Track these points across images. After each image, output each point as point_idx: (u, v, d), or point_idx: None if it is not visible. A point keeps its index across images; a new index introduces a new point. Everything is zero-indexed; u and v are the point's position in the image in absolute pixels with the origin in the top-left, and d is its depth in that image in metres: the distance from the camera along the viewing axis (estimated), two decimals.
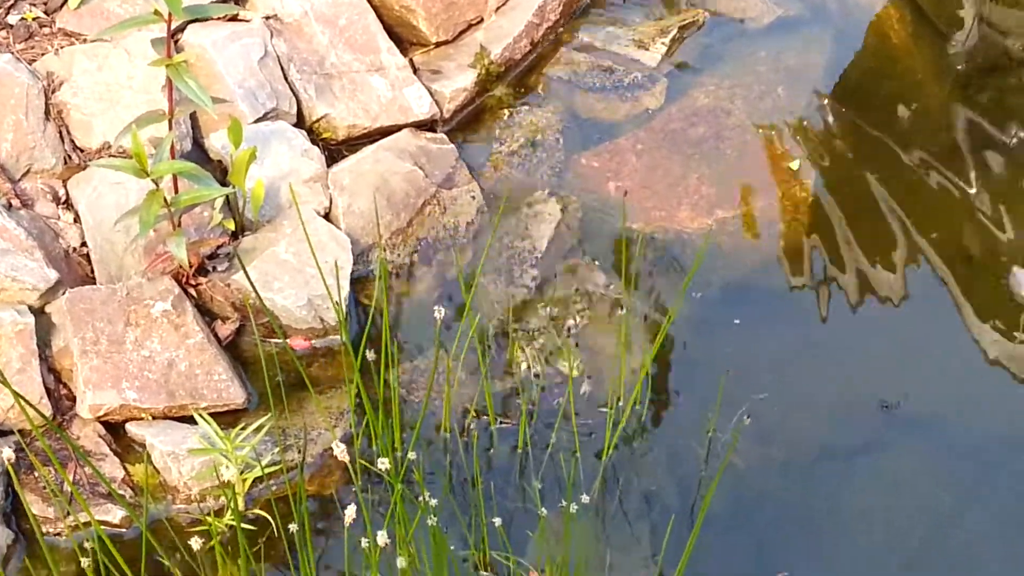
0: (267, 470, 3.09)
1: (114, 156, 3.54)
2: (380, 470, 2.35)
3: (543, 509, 2.62)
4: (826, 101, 4.22)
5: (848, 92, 4.28)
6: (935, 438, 3.40)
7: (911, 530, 3.23)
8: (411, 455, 2.47)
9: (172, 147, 3.24)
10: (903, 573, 3.16)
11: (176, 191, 3.31)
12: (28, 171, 3.54)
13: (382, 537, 2.22)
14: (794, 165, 3.95)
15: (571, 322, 3.53)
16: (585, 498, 2.57)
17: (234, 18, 3.84)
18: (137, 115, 3.23)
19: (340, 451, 2.21)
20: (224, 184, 3.47)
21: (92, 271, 3.46)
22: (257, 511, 3.08)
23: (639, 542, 3.12)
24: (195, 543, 2.32)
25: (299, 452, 3.16)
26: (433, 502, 2.43)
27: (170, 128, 3.23)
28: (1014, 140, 4.15)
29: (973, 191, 3.99)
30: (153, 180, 3.14)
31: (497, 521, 2.57)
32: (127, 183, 3.44)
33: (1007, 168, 4.07)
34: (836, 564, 3.15)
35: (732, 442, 3.08)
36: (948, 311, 3.69)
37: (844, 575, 3.14)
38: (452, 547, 2.99)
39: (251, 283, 2.86)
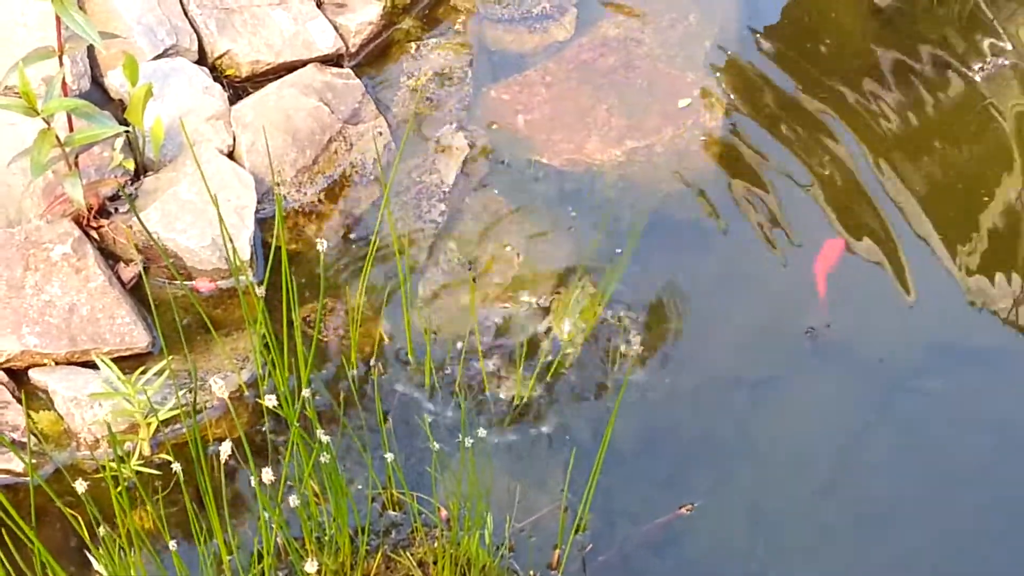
0: (170, 414, 3.04)
1: (5, 95, 3.45)
2: (272, 408, 2.32)
3: (436, 444, 2.60)
4: (738, 26, 4.19)
5: (761, 18, 4.25)
6: (842, 365, 3.41)
7: (819, 457, 3.24)
8: (305, 393, 2.43)
9: (64, 85, 3.16)
10: (812, 499, 3.17)
11: (71, 130, 3.24)
12: None
13: (267, 475, 2.19)
14: (682, 103, 3.91)
15: (478, 255, 3.50)
16: (482, 432, 2.54)
17: None
18: None
19: (218, 387, 2.17)
20: (124, 123, 3.40)
21: None
22: (163, 456, 3.04)
23: (550, 476, 3.11)
24: (79, 486, 2.27)
25: (204, 396, 3.11)
26: (325, 439, 2.40)
27: (60, 65, 3.15)
28: (927, 66, 4.15)
29: (888, 119, 3.98)
30: (44, 119, 3.07)
31: (389, 457, 2.54)
32: (23, 124, 3.36)
33: (920, 94, 4.06)
34: (746, 493, 3.16)
35: (627, 373, 3.08)
36: (858, 239, 3.69)
37: (754, 504, 3.14)
38: (359, 487, 2.98)
39: (143, 224, 2.81)
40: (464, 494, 2.69)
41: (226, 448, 2.17)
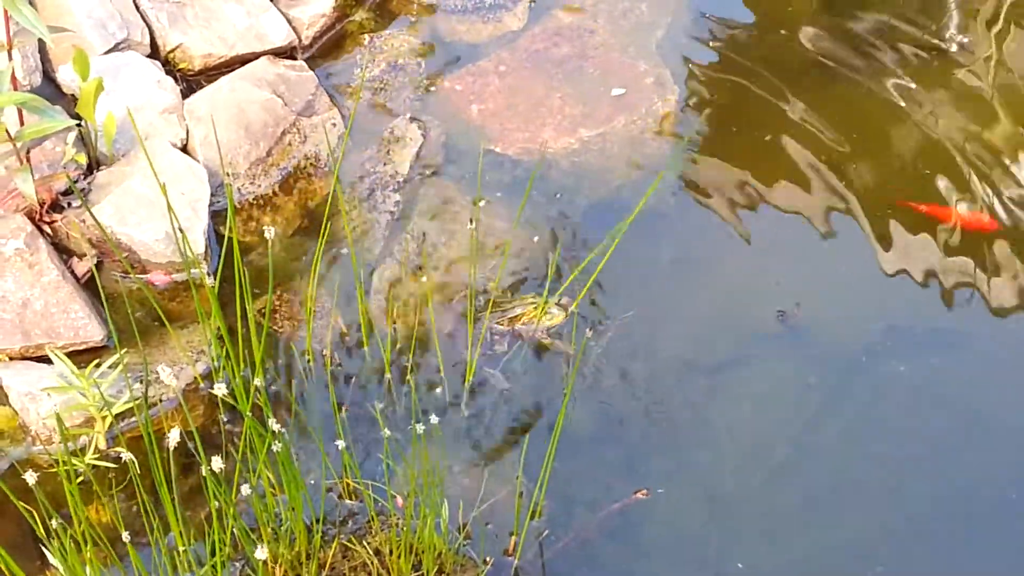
0: (125, 407, 3.03)
1: None
2: (224, 398, 2.32)
3: (387, 431, 2.60)
4: (690, 15, 4.21)
5: (714, 6, 4.27)
6: (798, 351, 3.42)
7: (775, 441, 3.25)
8: (256, 382, 2.43)
9: (14, 79, 3.15)
10: (768, 484, 3.18)
11: (22, 125, 3.23)
12: None
13: (216, 463, 2.20)
14: (616, 92, 3.93)
15: (433, 244, 3.51)
16: (434, 419, 2.55)
17: None
18: None
19: (167, 375, 2.17)
20: (76, 117, 3.39)
21: None
22: (119, 449, 3.03)
23: (505, 463, 3.12)
24: (30, 478, 2.27)
25: (160, 388, 3.11)
26: (276, 427, 2.40)
27: (10, 59, 3.14)
28: (881, 53, 4.17)
29: (845, 104, 4.00)
30: None
31: (341, 444, 2.55)
32: None
33: (876, 80, 4.09)
34: (703, 478, 3.17)
35: (576, 357, 3.09)
36: (817, 225, 3.71)
37: (710, 489, 3.15)
38: (316, 477, 2.98)
39: (94, 218, 2.80)
40: (418, 481, 2.70)
41: (174, 436, 2.17)
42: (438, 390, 3.22)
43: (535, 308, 3.31)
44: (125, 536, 2.41)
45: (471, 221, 3.20)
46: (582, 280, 3.39)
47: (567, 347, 3.29)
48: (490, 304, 3.31)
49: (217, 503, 2.50)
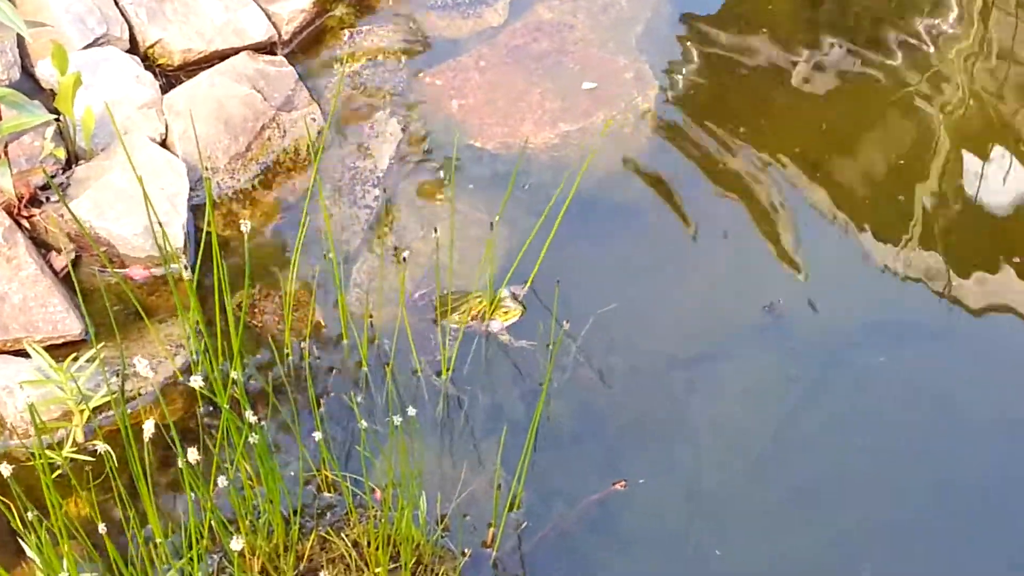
0: (102, 401, 3.03)
1: None
2: (201, 390, 2.33)
3: (363, 423, 2.61)
4: (670, 10, 4.22)
5: (694, 1, 4.28)
6: (779, 345, 3.43)
7: (756, 435, 3.25)
8: (233, 375, 2.44)
9: None
10: (749, 477, 3.19)
11: (0, 119, 3.22)
12: None
13: (192, 455, 2.20)
14: (586, 85, 3.93)
15: (411, 239, 3.52)
16: (412, 410, 2.55)
17: None
18: None
19: (144, 367, 2.18)
20: (55, 112, 3.39)
21: None
22: (96, 442, 3.02)
23: (484, 455, 3.12)
24: (4, 470, 2.27)
25: (138, 382, 3.11)
26: (253, 419, 2.40)
27: None
28: (863, 50, 4.19)
29: (823, 100, 4.02)
30: None
31: (318, 436, 2.55)
32: None
33: (855, 78, 4.10)
34: (683, 471, 3.17)
35: (552, 353, 3.10)
36: (795, 218, 3.71)
37: (691, 481, 3.16)
38: (294, 469, 2.98)
39: (71, 212, 2.80)
40: (396, 473, 2.70)
41: (149, 428, 2.17)
42: (414, 383, 3.22)
43: (480, 302, 3.31)
44: (102, 528, 2.40)
45: (435, 230, 3.20)
46: (552, 273, 3.40)
47: (524, 342, 3.29)
48: (441, 300, 3.31)
49: (194, 495, 2.51)
